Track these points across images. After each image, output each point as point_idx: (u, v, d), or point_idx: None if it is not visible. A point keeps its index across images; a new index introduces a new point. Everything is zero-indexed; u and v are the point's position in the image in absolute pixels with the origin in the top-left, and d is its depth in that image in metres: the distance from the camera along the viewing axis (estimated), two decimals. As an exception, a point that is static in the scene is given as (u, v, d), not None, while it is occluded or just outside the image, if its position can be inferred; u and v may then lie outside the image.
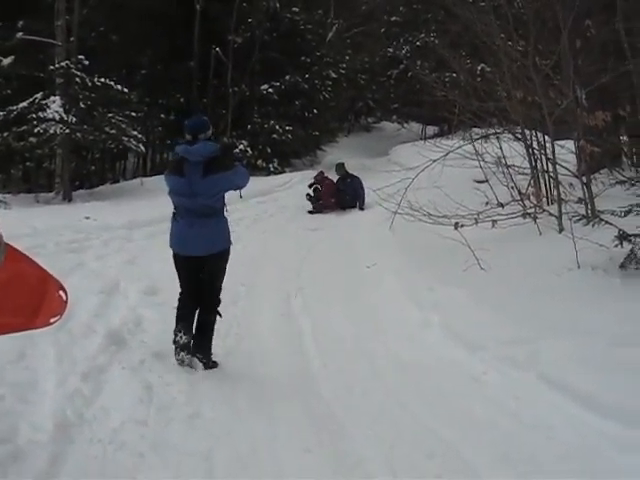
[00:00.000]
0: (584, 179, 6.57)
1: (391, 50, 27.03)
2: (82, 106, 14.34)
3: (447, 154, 7.91)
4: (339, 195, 13.00)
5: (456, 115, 8.25)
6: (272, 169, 20.04)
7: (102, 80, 14.66)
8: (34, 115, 13.88)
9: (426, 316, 5.44)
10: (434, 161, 7.87)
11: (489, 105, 8.07)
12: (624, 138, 8.31)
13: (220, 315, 4.79)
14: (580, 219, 5.46)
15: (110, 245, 8.36)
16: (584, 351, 4.00)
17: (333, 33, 24.77)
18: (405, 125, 27.64)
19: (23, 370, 4.02)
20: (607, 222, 5.17)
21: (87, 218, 9.72)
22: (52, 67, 14.61)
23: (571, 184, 7.17)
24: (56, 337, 4.42)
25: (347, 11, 28.16)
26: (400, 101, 26.67)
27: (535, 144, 7.84)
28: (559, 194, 6.88)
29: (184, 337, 4.54)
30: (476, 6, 8.14)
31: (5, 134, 14.03)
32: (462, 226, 6.81)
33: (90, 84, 14.41)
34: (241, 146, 19.41)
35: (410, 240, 7.88)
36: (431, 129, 25.60)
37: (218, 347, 4.79)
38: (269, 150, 20.36)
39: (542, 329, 4.48)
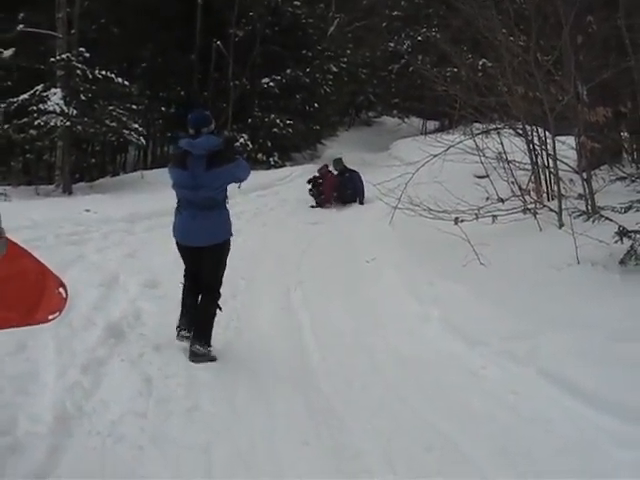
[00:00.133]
0: (584, 175, 6.57)
1: (392, 45, 27.02)
2: (83, 98, 14.30)
3: (448, 149, 7.90)
4: (341, 189, 13.01)
5: (457, 110, 8.25)
6: (272, 163, 20.04)
7: (103, 73, 14.62)
8: (35, 107, 13.85)
9: (426, 310, 5.45)
10: (435, 156, 7.86)
11: (490, 100, 8.07)
12: (625, 134, 8.30)
13: (220, 308, 4.82)
14: (580, 215, 5.45)
15: (110, 238, 8.34)
16: (583, 346, 4.01)
17: (334, 27, 24.71)
18: (406, 120, 27.65)
19: (23, 362, 4.01)
20: (607, 218, 5.17)
21: (87, 211, 9.68)
22: (53, 59, 14.55)
23: (571, 180, 7.19)
24: (56, 329, 4.40)
25: (348, 5, 28.15)
26: (401, 96, 26.72)
27: (536, 140, 7.84)
28: (559, 190, 6.89)
29: (187, 321, 4.71)
30: (478, 1, 8.11)
31: (5, 126, 14.00)
32: (462, 221, 6.84)
33: (91, 76, 14.37)
34: (242, 140, 19.38)
35: (410, 235, 7.88)
36: (432, 124, 25.63)
37: (217, 340, 4.79)
38: (269, 144, 20.35)
39: (541, 324, 4.48)
